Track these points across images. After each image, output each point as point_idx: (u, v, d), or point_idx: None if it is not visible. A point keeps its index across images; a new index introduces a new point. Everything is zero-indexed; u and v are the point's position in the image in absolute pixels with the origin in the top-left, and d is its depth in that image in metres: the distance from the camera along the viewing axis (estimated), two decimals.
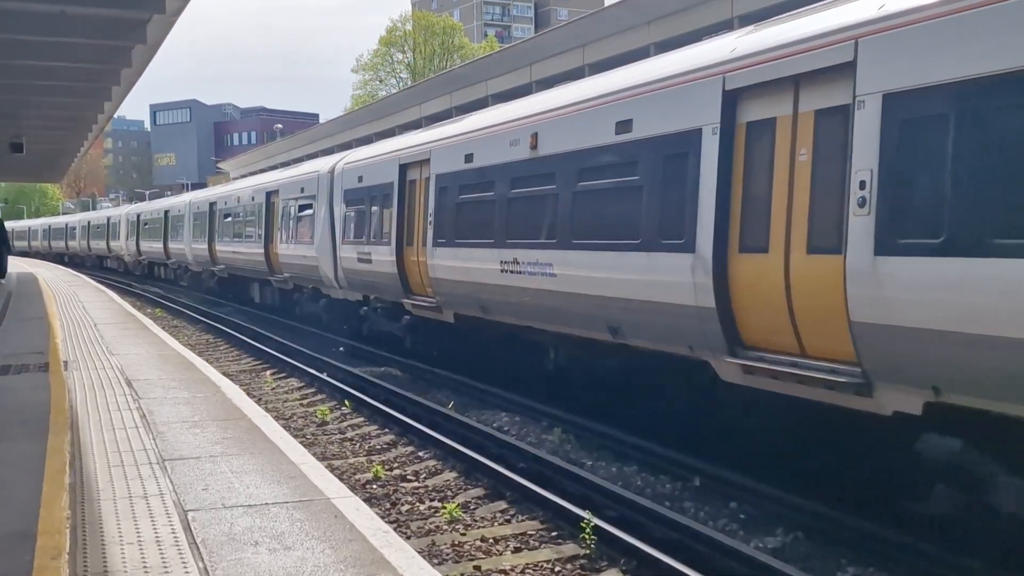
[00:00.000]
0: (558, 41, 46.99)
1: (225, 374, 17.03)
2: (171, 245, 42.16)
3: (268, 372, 19.25)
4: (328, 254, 22.04)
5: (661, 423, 11.27)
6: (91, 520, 5.71)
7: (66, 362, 13.30)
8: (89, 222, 66.08)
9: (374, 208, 18.97)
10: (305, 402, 16.01)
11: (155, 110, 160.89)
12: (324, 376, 17.41)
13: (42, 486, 6.22)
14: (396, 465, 11.63)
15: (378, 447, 12.57)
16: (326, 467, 8.92)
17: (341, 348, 21.89)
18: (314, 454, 10.45)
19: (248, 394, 12.55)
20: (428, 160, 16.33)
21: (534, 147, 12.60)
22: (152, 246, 46.47)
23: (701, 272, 9.17)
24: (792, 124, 8.27)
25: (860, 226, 7.33)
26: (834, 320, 7.70)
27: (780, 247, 8.33)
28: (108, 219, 58.86)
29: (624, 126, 10.54)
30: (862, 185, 7.31)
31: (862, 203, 7.31)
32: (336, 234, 21.54)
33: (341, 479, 8.95)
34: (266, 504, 6.28)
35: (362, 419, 14.27)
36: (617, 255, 10.62)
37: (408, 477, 11.09)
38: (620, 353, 11.56)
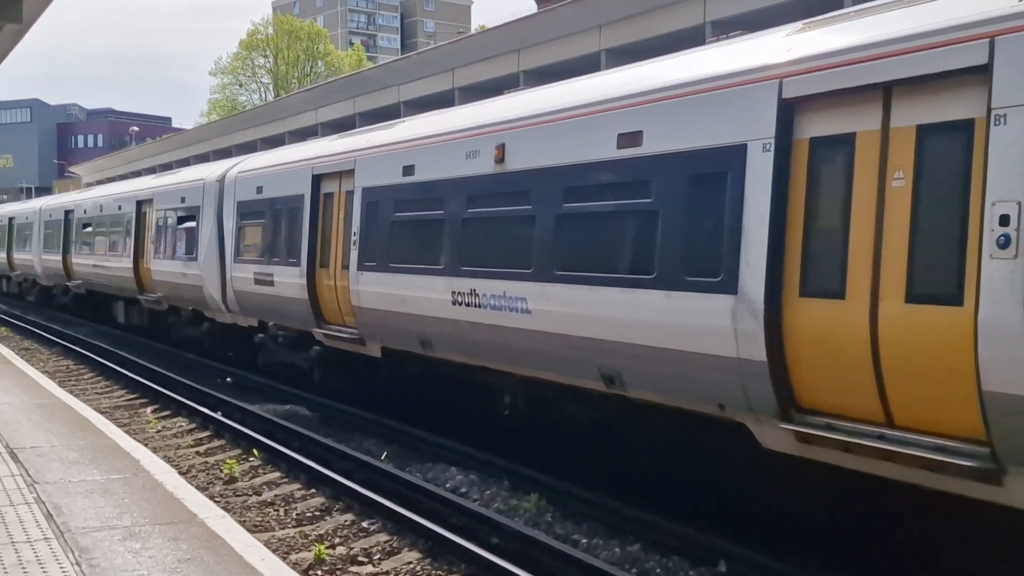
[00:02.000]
0: (488, 45, 43.74)
1: (97, 410, 14.49)
2: (16, 256, 38.20)
3: (149, 409, 16.69)
4: (215, 273, 19.56)
5: (663, 490, 9.63)
6: None
7: None
8: None
9: (278, 223, 16.70)
10: (202, 449, 13.66)
11: None
12: (219, 416, 15.06)
13: None
14: (338, 540, 9.59)
15: (308, 514, 10.47)
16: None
17: (229, 380, 19.43)
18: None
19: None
20: (352, 171, 14.27)
21: (500, 160, 10.80)
22: None
23: (747, 317, 7.57)
24: (881, 141, 6.78)
25: (1001, 272, 5.86)
26: (951, 387, 6.22)
27: (863, 293, 6.81)
28: None
29: (630, 139, 8.88)
30: (1004, 220, 5.85)
31: (1004, 243, 5.85)
32: (226, 251, 19.09)
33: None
34: None
35: (278, 474, 12.10)
36: (619, 292, 8.92)
37: (359, 558, 9.07)
38: (608, 405, 9.87)
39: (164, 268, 22.37)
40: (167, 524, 6.60)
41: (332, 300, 14.94)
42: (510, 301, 10.49)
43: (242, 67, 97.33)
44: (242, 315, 18.93)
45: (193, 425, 15.20)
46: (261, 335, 18.16)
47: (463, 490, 10.91)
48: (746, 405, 7.81)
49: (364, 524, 9.99)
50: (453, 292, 11.50)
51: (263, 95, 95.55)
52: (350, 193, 14.36)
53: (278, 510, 10.65)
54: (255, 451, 12.98)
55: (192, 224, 20.79)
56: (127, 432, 12.80)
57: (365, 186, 13.83)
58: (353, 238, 13.99)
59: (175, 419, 15.73)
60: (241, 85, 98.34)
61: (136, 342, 25.51)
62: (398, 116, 30.84)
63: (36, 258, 34.92)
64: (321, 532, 9.80)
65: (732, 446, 8.43)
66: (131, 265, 24.63)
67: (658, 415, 9.20)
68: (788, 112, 7.40)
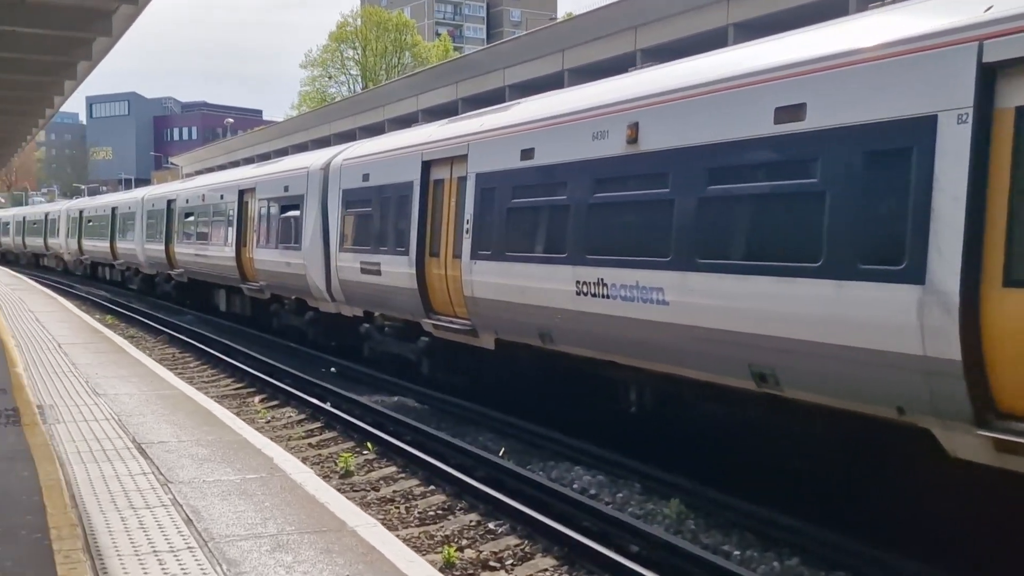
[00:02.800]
0: (602, 23, 41.60)
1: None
2: (119, 245, 38.80)
3: (257, 399, 16.47)
4: (319, 262, 19.26)
5: (819, 497, 8.83)
6: None
7: (40, 407, 10.31)
8: (24, 218, 61.97)
9: (385, 211, 16.26)
10: (314, 441, 13.31)
11: (91, 102, 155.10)
12: (328, 407, 14.71)
13: None
14: (466, 542, 9.05)
15: (431, 513, 9.96)
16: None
17: (333, 369, 19.14)
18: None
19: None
20: (464, 156, 13.71)
21: (633, 140, 10.09)
22: (97, 245, 42.93)
23: (937, 311, 6.73)
24: None
25: None
26: None
27: None
28: (46, 215, 54.94)
29: (790, 113, 8.08)
30: None
31: None
32: (331, 240, 18.76)
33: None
34: None
35: (394, 468, 11.63)
36: (776, 281, 8.14)
37: (490, 563, 8.51)
38: (752, 404, 9.11)
39: (267, 257, 22.22)
40: (316, 533, 6.02)
41: (442, 290, 14.43)
42: (644, 292, 9.78)
43: (331, 59, 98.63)
44: (347, 305, 18.59)
45: (302, 416, 14.89)
46: (366, 325, 17.79)
47: (592, 492, 10.26)
48: (932, 409, 6.97)
49: (491, 525, 9.44)
50: (578, 282, 10.83)
51: (351, 87, 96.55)
52: (462, 179, 13.81)
53: (399, 507, 10.17)
54: (369, 444, 12.55)
55: (296, 213, 20.55)
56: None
57: (479, 171, 13.25)
58: (466, 226, 13.44)
59: (283, 409, 15.45)
60: (330, 77, 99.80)
61: (238, 331, 25.49)
62: (503, 100, 29.91)
63: (139, 247, 35.37)
64: (447, 533, 9.28)
65: (906, 452, 7.62)
66: (234, 254, 24.59)
67: (816, 416, 8.41)
68: (989, 78, 6.54)
